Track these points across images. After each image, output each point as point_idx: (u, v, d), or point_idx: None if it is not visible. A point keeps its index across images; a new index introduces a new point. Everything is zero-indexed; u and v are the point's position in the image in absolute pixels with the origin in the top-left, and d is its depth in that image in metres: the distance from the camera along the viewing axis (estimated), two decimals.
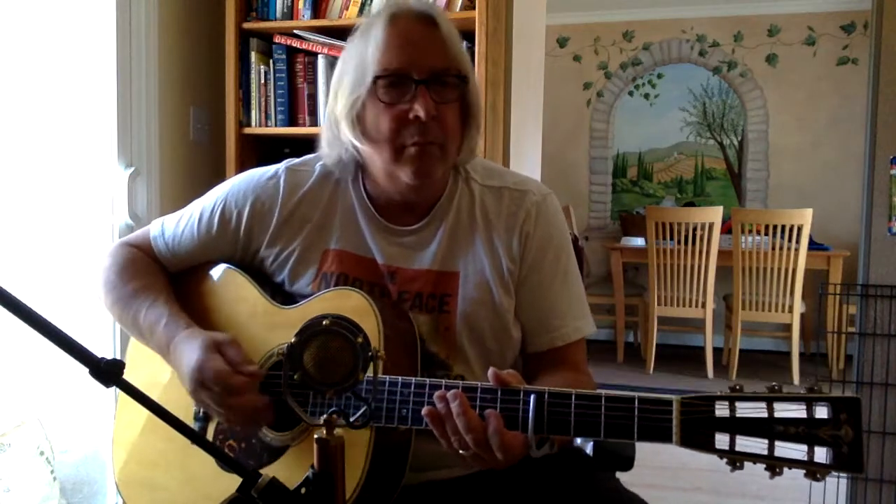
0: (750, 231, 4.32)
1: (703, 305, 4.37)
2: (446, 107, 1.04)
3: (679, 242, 4.37)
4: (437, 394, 0.88)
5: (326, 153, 1.14)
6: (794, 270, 4.17)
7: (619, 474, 1.24)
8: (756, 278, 4.25)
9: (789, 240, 4.15)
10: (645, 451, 1.24)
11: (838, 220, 5.00)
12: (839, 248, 4.54)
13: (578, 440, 1.30)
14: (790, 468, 0.75)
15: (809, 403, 0.76)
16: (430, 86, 1.02)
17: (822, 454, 0.75)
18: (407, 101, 1.02)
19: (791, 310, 4.21)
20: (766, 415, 0.77)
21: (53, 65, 1.88)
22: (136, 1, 2.07)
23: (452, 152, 1.08)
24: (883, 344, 2.24)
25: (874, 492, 2.26)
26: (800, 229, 4.11)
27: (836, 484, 2.32)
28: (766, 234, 4.23)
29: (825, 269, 4.39)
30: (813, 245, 4.38)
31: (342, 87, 1.07)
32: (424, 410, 0.87)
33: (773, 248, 4.19)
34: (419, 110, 1.01)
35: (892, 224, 2.24)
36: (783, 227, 4.16)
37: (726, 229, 4.46)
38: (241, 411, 0.99)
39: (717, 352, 4.70)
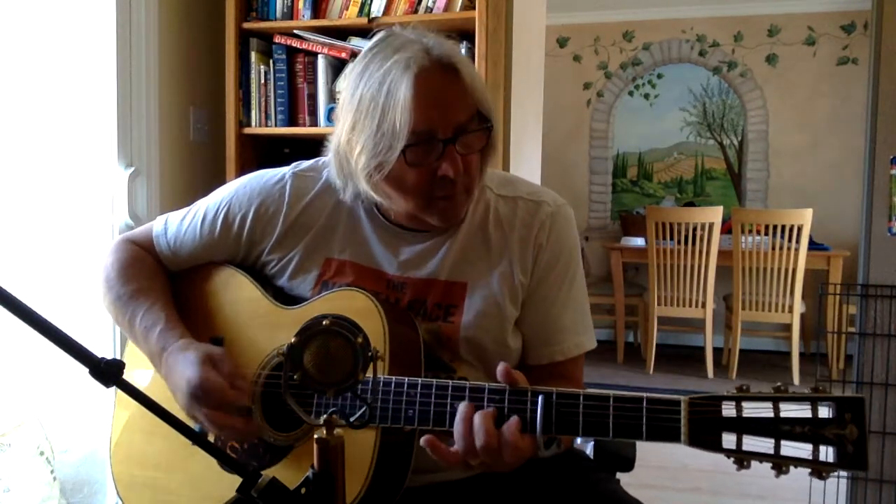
0: (750, 231, 4.32)
1: (703, 305, 4.37)
2: (472, 155, 1.02)
3: (679, 242, 4.37)
4: (459, 412, 0.87)
5: (335, 175, 1.09)
6: (794, 270, 4.17)
7: (619, 475, 1.24)
8: (756, 278, 4.25)
9: (789, 240, 4.15)
10: (645, 451, 1.24)
11: (838, 220, 5.00)
12: (839, 248, 4.53)
13: (579, 440, 1.30)
14: (796, 467, 0.76)
15: (814, 403, 0.76)
16: (457, 142, 0.99)
17: (826, 453, 0.76)
18: (434, 160, 0.99)
19: (791, 310, 4.21)
20: (772, 415, 0.77)
21: (54, 65, 1.88)
22: (136, 1, 2.07)
23: (478, 187, 1.08)
24: (883, 344, 2.24)
25: (874, 492, 2.26)
26: (800, 229, 4.11)
27: (836, 484, 2.32)
28: (766, 234, 4.23)
29: (825, 269, 4.38)
30: (813, 245, 4.38)
31: (359, 139, 0.99)
32: (423, 440, 0.86)
33: (773, 248, 4.19)
34: (448, 170, 0.99)
35: (892, 224, 2.24)
36: (783, 227, 4.16)
37: (726, 229, 4.45)
38: (231, 429, 0.99)
39: (717, 352, 4.70)
